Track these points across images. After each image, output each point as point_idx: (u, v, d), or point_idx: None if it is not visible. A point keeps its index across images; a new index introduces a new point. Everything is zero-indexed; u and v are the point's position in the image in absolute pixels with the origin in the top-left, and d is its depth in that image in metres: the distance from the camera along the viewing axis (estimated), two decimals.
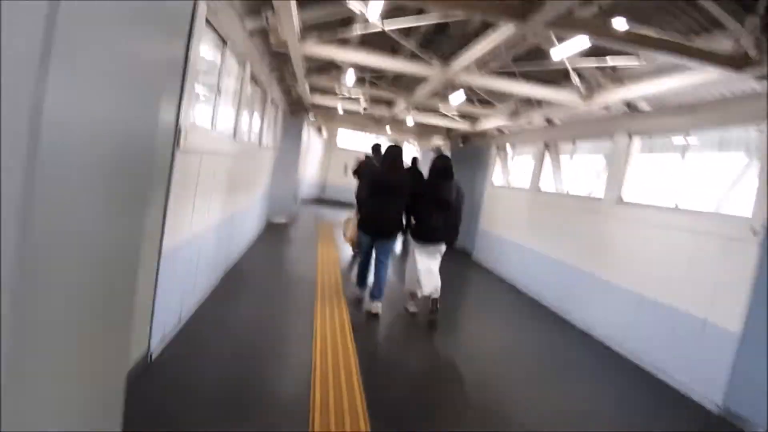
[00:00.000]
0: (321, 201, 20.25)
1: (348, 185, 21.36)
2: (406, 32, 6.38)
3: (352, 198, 19.91)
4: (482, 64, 6.69)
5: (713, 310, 5.01)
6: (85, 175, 0.99)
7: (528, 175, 10.25)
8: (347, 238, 7.10)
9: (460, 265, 11.54)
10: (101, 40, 0.97)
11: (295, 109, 12.88)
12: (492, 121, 10.79)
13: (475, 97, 9.33)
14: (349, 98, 11.23)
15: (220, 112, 5.87)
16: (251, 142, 8.06)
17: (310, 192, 19.21)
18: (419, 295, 6.19)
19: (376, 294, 6.14)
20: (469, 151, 13.17)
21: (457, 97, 9.19)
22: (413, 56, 6.71)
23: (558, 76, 7.41)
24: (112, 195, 1.20)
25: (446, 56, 6.50)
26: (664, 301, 5.62)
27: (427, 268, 6.13)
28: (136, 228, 1.45)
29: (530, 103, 9.17)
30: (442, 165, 6.11)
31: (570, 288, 7.60)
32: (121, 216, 1.30)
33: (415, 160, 7.71)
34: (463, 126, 11.96)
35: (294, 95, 11.19)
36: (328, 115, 14.16)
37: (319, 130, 19.27)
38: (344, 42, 6.78)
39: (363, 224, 6.28)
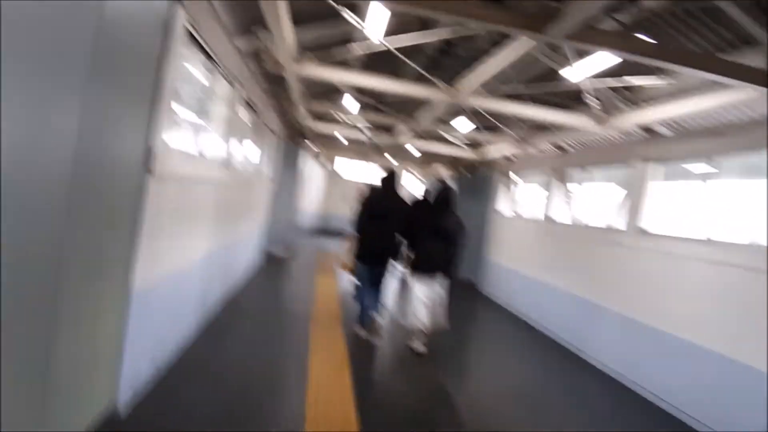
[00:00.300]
0: (322, 231, 19.79)
1: (348, 216, 21.02)
2: (411, 52, 6.02)
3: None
4: (491, 88, 6.31)
5: (743, 348, 4.53)
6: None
7: (538, 205, 9.80)
8: (344, 266, 6.72)
9: (465, 297, 10.99)
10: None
11: (295, 137, 12.52)
12: (499, 149, 10.39)
13: (483, 123, 8.93)
14: (351, 125, 10.86)
15: (208, 137, 5.47)
16: (246, 170, 7.63)
17: (310, 222, 18.78)
18: (422, 330, 5.89)
19: (374, 308, 6.16)
20: (476, 180, 12.75)
21: (463, 123, 8.82)
22: (418, 78, 6.32)
23: (569, 100, 7.04)
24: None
25: (453, 78, 6.12)
26: (695, 341, 5.11)
27: (426, 300, 5.86)
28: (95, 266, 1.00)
29: (540, 129, 8.78)
30: (442, 194, 5.99)
31: (586, 324, 7.06)
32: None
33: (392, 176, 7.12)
34: (468, 154, 11.55)
35: (293, 122, 10.84)
36: (328, 143, 13.80)
37: (320, 159, 18.97)
38: (344, 64, 6.43)
39: (359, 252, 6.07)
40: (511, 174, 11.26)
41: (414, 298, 5.90)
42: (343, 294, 8.66)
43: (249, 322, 6.56)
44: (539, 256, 8.96)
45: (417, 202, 6.38)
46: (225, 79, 5.41)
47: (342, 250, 7.41)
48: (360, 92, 7.97)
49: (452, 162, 13.68)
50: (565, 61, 5.25)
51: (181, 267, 4.34)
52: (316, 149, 15.99)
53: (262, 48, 5.55)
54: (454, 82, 6.03)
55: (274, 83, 7.58)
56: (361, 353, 5.80)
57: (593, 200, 8.50)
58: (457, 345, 6.93)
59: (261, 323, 6.46)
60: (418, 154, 14.09)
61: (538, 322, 8.50)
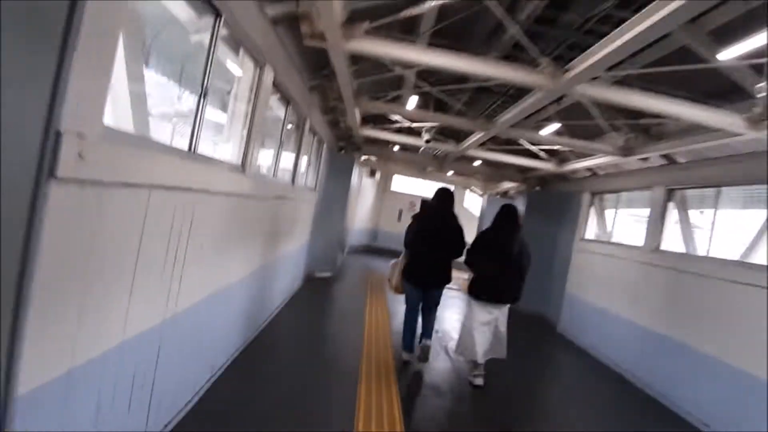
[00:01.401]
0: (372, 250, 18.28)
1: (403, 232, 19.30)
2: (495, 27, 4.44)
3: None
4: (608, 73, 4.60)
5: None
6: None
7: (639, 229, 7.91)
8: (392, 285, 6.15)
9: (540, 339, 9.19)
10: None
11: (343, 145, 11.11)
12: (592, 159, 8.55)
13: (575, 124, 7.21)
14: (408, 131, 9.32)
15: (222, 134, 4.03)
16: (278, 179, 6.19)
17: (359, 239, 17.32)
18: (478, 361, 5.50)
19: (425, 334, 5.87)
20: (551, 197, 10.91)
21: (550, 127, 7.16)
22: (506, 56, 4.71)
23: (706, 93, 5.23)
24: None
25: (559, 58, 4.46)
26: None
27: (484, 330, 5.53)
28: None
29: (647, 134, 6.96)
30: (507, 215, 5.63)
31: (714, 389, 5.19)
32: None
33: (446, 193, 6.02)
34: (545, 165, 9.76)
35: (341, 126, 9.40)
36: (381, 153, 12.28)
37: (372, 172, 17.52)
38: (406, 34, 4.89)
39: (409, 273, 5.79)
40: (598, 189, 9.38)
41: (472, 326, 5.52)
42: (399, 330, 7.02)
43: (281, 367, 5.11)
44: (645, 295, 7.05)
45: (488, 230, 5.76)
46: (247, 52, 3.97)
47: (392, 269, 6.30)
48: (424, 79, 6.34)
49: (522, 175, 11.88)
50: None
51: (160, 320, 2.87)
52: (366, 159, 14.57)
53: (300, 14, 4.08)
54: (563, 63, 4.34)
55: (318, 70, 6.14)
56: (419, 411, 4.81)
57: (724, 228, 6.55)
58: (526, 391, 6.21)
59: (291, 382, 4.90)
60: (479, 164, 12.37)
61: (640, 378, 6.62)
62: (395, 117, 8.56)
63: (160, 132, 3.13)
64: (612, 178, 8.93)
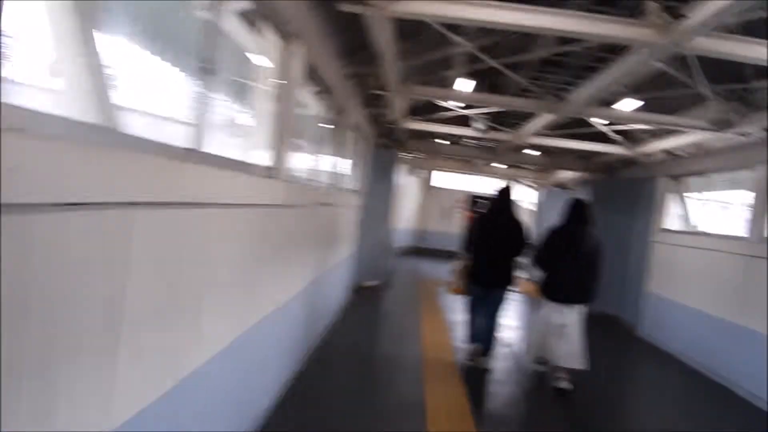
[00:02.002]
0: (419, 251, 17.37)
1: (451, 231, 18.44)
2: None
3: (455, 246, 17.00)
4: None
5: None
6: None
7: (738, 217, 6.76)
8: (453, 287, 6.05)
9: (619, 344, 8.12)
10: None
11: (387, 140, 10.26)
12: (675, 138, 7.41)
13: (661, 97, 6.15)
14: (458, 119, 8.37)
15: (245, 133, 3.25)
16: (317, 182, 5.39)
17: (405, 241, 16.44)
18: (556, 363, 5.22)
19: (485, 347, 5.68)
20: (619, 185, 9.75)
21: (629, 103, 6.11)
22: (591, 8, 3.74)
23: None
24: None
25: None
26: None
27: (559, 331, 5.19)
28: None
29: (746, 103, 5.83)
30: (578, 209, 5.32)
31: None
32: None
33: (506, 192, 5.88)
34: (616, 149, 8.64)
35: (383, 121, 8.55)
36: (426, 148, 11.36)
37: (415, 167, 16.60)
38: None
39: (472, 274, 5.68)
40: (679, 174, 8.19)
41: (547, 329, 5.28)
42: (462, 349, 6.12)
43: (332, 395, 4.35)
44: (753, 292, 5.91)
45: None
46: (270, 23, 3.17)
47: (451, 272, 6.21)
48: (479, 54, 5.36)
49: (584, 163, 10.73)
50: None
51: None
52: (411, 155, 13.68)
53: None
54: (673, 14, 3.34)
55: (354, 53, 5.30)
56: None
57: None
58: (618, 410, 5.50)
59: (347, 398, 4.07)
60: (533, 153, 11.28)
61: (754, 391, 5.51)
62: (443, 104, 7.63)
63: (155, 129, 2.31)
64: (696, 159, 7.75)
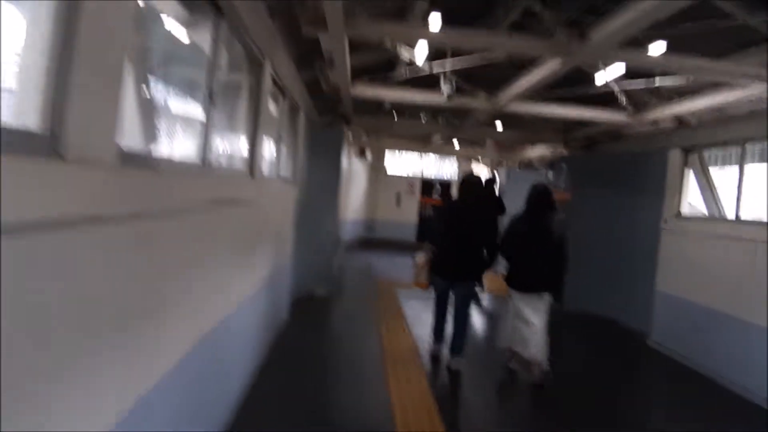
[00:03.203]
0: (370, 243, 15.47)
1: (404, 220, 16.72)
2: None
3: (409, 236, 15.20)
4: None
5: None
6: None
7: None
8: (417, 281, 5.55)
9: (625, 356, 6.62)
10: None
11: (329, 119, 8.30)
12: (694, 101, 5.85)
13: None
14: (422, 80, 6.48)
15: None
16: (215, 169, 3.39)
17: (354, 233, 14.51)
18: (524, 355, 4.99)
19: (455, 348, 5.26)
20: (615, 161, 8.17)
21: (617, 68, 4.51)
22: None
23: None
24: None
25: None
26: None
27: (525, 321, 5.00)
28: None
29: None
30: (541, 196, 5.10)
31: None
32: None
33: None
34: (616, 117, 6.99)
35: (325, 87, 6.57)
36: (376, 125, 9.41)
37: (362, 151, 14.63)
38: None
39: (436, 266, 5.32)
40: (696, 146, 6.63)
41: (512, 318, 5.11)
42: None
43: None
44: None
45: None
46: None
47: (415, 264, 5.69)
48: None
49: (563, 136, 9.09)
50: None
51: None
52: (360, 135, 11.75)
53: None
54: None
55: None
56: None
57: None
58: None
59: None
60: (500, 130, 9.56)
61: None
62: (403, 55, 5.72)
63: None
64: (722, 125, 6.20)
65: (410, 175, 16.34)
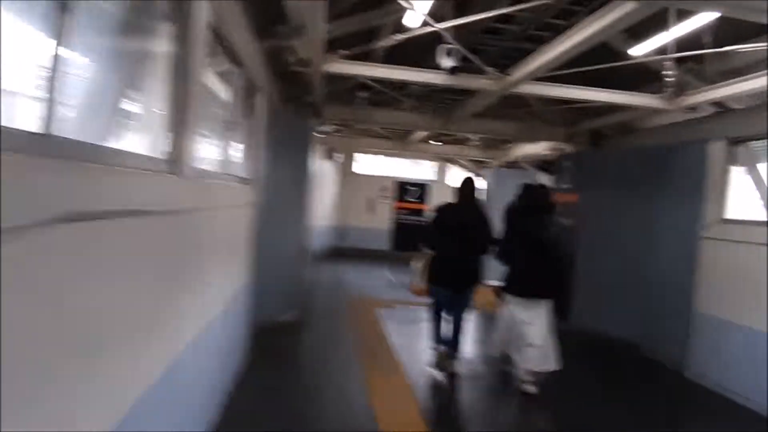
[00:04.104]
0: (341, 253, 14.03)
1: (377, 227, 15.24)
2: None
3: (383, 245, 13.86)
4: None
5: None
6: None
7: None
8: (415, 288, 5.37)
9: (658, 392, 5.42)
10: None
11: (297, 108, 6.90)
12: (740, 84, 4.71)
13: None
14: (412, 51, 5.14)
15: None
16: (126, 159, 1.95)
17: (324, 242, 13.05)
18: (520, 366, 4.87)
19: (451, 352, 5.21)
20: (630, 158, 6.98)
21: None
22: None
23: None
24: None
25: None
26: None
27: (524, 330, 4.80)
28: None
29: None
30: (536, 198, 5.01)
31: None
32: None
33: (470, 182, 5.35)
34: (651, 101, 5.73)
35: (295, 63, 5.14)
36: (351, 117, 7.99)
37: (331, 152, 13.18)
38: None
39: (433, 274, 5.17)
40: (743, 137, 5.49)
41: (511, 328, 4.94)
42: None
43: None
44: None
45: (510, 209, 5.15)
46: None
47: (413, 271, 5.36)
48: None
49: (568, 130, 7.88)
50: None
51: None
52: (331, 130, 10.36)
53: None
54: None
55: None
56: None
57: None
58: None
59: None
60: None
61: None
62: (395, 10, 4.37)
63: None
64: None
65: (384, 177, 14.97)
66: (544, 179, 11.62)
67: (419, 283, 5.32)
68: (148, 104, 2.63)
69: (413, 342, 6.31)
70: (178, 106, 2.51)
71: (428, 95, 7.71)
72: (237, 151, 4.72)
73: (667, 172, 6.25)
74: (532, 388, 4.80)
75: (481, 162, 13.80)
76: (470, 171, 14.55)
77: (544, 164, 11.66)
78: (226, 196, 3.80)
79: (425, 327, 6.17)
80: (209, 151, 3.89)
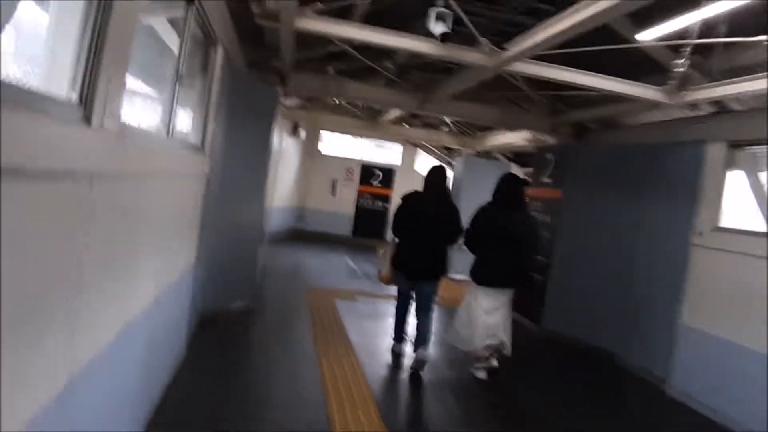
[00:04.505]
0: (299, 236, 13.31)
1: (339, 211, 14.54)
2: None
3: (344, 230, 13.27)
4: None
5: None
6: None
7: None
8: (382, 276, 5.26)
9: (633, 406, 5.05)
10: None
11: (261, 68, 6.17)
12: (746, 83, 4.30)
13: None
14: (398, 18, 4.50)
15: None
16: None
17: (281, 223, 12.29)
18: (478, 353, 4.91)
19: (419, 341, 4.93)
20: (620, 155, 6.55)
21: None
22: None
23: None
24: None
25: None
26: None
27: (488, 317, 4.85)
28: None
29: None
30: (508, 188, 4.97)
31: None
32: None
33: (440, 170, 5.27)
34: (650, 93, 5.24)
35: (261, 15, 4.41)
36: (323, 86, 7.25)
37: (295, 129, 12.36)
38: None
39: (399, 263, 5.06)
40: (744, 139, 5.11)
41: (475, 314, 4.88)
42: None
43: None
44: None
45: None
46: None
47: (379, 258, 5.35)
48: None
49: (552, 120, 7.39)
50: None
51: None
52: (296, 103, 9.64)
53: None
54: None
55: None
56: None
57: None
58: None
59: None
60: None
61: None
62: None
63: None
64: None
65: (348, 159, 14.27)
66: (517, 171, 11.25)
67: (386, 271, 5.21)
68: (57, 29, 1.90)
69: (373, 338, 5.78)
70: (100, 37, 1.81)
71: (406, 70, 7.09)
72: (187, 114, 3.99)
73: (660, 172, 5.85)
74: (483, 374, 4.95)
75: (450, 149, 13.30)
76: (439, 158, 14.05)
77: (517, 156, 11.26)
78: (167, 161, 3.07)
79: (389, 323, 5.69)
80: (148, 109, 3.17)
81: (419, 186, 5.19)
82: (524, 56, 4.56)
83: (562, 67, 4.90)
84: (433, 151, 13.81)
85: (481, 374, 4.97)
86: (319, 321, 6.18)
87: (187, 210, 3.96)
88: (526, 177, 10.84)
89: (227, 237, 5.62)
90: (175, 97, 3.09)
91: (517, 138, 9.13)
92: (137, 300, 2.68)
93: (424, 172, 5.21)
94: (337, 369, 4.67)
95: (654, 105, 5.43)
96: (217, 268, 5.44)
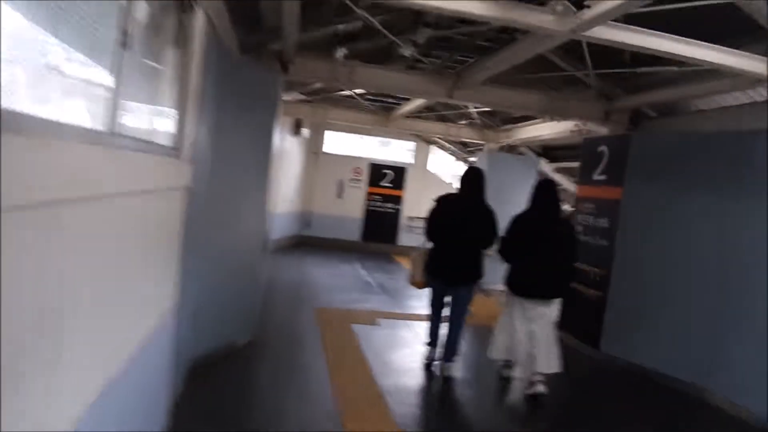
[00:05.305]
0: (305, 243, 12.17)
1: (347, 214, 13.33)
2: None
3: (352, 236, 12.35)
4: None
5: None
6: None
7: None
8: (415, 281, 5.14)
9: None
10: None
11: (258, 53, 5.05)
12: None
13: None
14: None
15: None
16: None
17: (284, 230, 11.16)
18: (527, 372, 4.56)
19: (447, 355, 4.88)
20: (703, 145, 5.36)
21: None
22: None
23: None
24: None
25: None
26: None
27: (528, 331, 4.58)
28: None
29: None
30: (545, 194, 4.67)
31: None
32: None
33: (477, 170, 5.04)
34: (751, 65, 4.10)
35: None
36: (331, 72, 6.04)
37: (297, 126, 11.19)
38: None
39: (434, 268, 4.92)
40: None
41: (514, 326, 4.63)
42: None
43: None
44: None
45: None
46: None
47: (411, 262, 5.13)
48: None
49: (605, 105, 6.18)
50: None
51: None
52: (300, 95, 8.53)
53: None
54: None
55: None
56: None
57: None
58: None
59: None
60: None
61: None
62: None
63: None
64: None
65: (356, 158, 13.10)
66: (547, 167, 10.09)
67: (419, 276, 5.09)
68: None
69: (410, 382, 4.66)
70: None
71: (430, 51, 5.96)
72: (151, 105, 2.83)
73: (752, 164, 4.70)
74: (541, 388, 4.55)
75: (467, 145, 12.11)
76: (455, 154, 12.90)
77: (547, 150, 10.12)
78: (111, 173, 1.91)
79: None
80: (98, 101, 2.02)
81: (433, 186, 4.51)
82: (608, 18, 3.40)
83: (659, 33, 3.72)
84: (449, 147, 12.64)
85: (539, 388, 4.55)
86: (336, 359, 5.04)
87: (157, 238, 2.80)
88: (558, 174, 9.76)
89: (220, 262, 4.51)
90: (119, 72, 1.94)
91: (550, 129, 7.97)
92: (64, 406, 1.54)
93: (437, 171, 4.57)
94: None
95: (756, 81, 4.26)
96: (209, 302, 4.31)
